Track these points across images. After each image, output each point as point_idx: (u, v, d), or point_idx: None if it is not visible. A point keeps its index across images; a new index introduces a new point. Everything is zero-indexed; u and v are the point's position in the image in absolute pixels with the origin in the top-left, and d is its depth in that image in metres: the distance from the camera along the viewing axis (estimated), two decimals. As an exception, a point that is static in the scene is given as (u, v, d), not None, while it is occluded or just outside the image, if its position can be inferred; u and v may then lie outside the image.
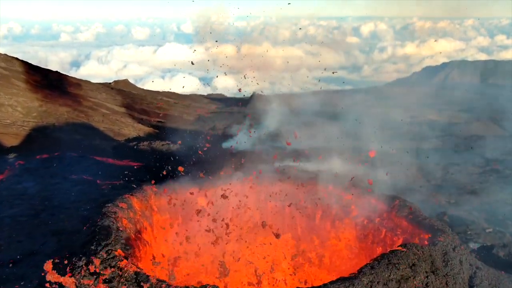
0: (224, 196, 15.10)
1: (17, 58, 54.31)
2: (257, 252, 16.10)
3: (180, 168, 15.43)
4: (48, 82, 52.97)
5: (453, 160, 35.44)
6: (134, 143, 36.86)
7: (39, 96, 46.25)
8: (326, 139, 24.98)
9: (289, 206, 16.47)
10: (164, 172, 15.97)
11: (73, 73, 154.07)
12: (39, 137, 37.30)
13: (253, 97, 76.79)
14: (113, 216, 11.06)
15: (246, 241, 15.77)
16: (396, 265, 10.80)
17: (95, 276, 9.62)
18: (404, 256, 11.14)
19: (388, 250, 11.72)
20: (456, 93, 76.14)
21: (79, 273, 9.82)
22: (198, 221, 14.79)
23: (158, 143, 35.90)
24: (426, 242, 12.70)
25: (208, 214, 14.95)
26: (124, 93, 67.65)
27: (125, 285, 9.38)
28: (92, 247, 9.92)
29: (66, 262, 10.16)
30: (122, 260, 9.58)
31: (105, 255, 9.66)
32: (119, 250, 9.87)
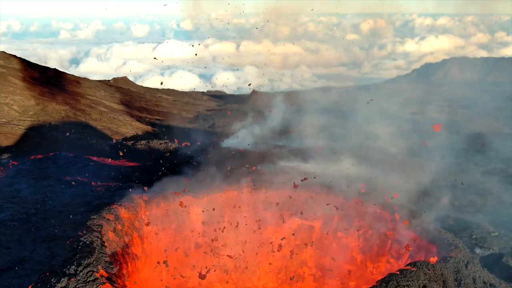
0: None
1: (14, 56, 53.61)
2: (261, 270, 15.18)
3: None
4: (45, 80, 52.26)
5: (466, 160, 34.41)
6: (132, 142, 36.17)
7: (36, 94, 45.52)
8: (335, 137, 24.26)
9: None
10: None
11: (72, 70, 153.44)
12: (34, 137, 36.60)
13: (253, 94, 76.17)
14: (98, 229, 10.31)
15: (247, 268, 14.80)
16: (406, 288, 10.05)
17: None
18: (414, 277, 10.32)
19: (397, 269, 10.97)
20: (456, 90, 75.49)
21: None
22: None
23: (156, 142, 35.20)
24: (436, 258, 11.94)
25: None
26: (123, 91, 66.93)
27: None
28: (73, 267, 9.19)
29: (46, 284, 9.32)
30: (104, 283, 8.84)
31: (85, 277, 8.93)
32: (101, 271, 9.14)
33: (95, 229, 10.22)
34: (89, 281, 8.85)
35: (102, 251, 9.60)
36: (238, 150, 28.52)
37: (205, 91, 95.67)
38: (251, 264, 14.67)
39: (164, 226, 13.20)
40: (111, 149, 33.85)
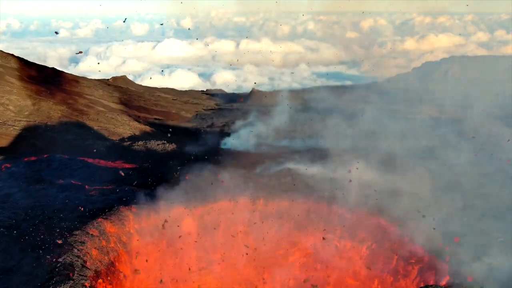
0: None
1: (12, 55, 52.81)
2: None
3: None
4: (43, 79, 51.48)
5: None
6: (129, 142, 35.47)
7: (33, 93, 44.75)
8: (343, 138, 23.51)
9: None
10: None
11: (71, 69, 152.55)
12: (29, 137, 35.85)
13: (252, 93, 75.38)
14: (80, 247, 9.60)
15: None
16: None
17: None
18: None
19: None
20: (456, 88, 74.80)
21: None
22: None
23: (154, 142, 34.51)
24: (447, 277, 11.19)
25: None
26: (122, 90, 66.17)
27: None
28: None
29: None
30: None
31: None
32: (77, 299, 8.47)
33: (76, 246, 9.51)
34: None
35: (82, 273, 8.89)
36: (237, 151, 27.80)
37: (204, 89, 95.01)
38: None
39: (154, 241, 12.43)
40: (107, 150, 33.15)
